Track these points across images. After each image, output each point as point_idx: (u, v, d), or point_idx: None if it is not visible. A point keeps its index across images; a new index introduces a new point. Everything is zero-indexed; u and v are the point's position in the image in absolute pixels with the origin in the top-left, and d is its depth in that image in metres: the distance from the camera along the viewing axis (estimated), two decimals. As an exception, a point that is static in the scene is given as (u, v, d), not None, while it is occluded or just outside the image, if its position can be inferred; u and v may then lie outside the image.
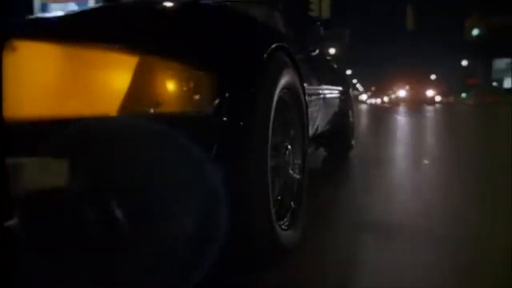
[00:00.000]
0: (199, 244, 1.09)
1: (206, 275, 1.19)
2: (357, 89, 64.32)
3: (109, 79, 0.85)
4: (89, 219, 0.88)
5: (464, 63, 45.00)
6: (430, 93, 29.08)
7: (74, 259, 0.92)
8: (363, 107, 22.89)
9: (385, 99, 42.74)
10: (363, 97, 51.94)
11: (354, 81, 62.62)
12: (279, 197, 1.31)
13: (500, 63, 36.39)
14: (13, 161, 0.78)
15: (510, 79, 33.70)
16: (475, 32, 37.91)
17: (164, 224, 0.98)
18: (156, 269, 1.15)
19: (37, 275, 0.87)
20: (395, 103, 30.02)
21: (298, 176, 1.49)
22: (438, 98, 29.73)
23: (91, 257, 0.95)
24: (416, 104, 22.81)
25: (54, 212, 0.84)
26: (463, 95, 40.75)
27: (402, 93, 30.69)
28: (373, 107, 24.04)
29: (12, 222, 0.79)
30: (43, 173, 0.80)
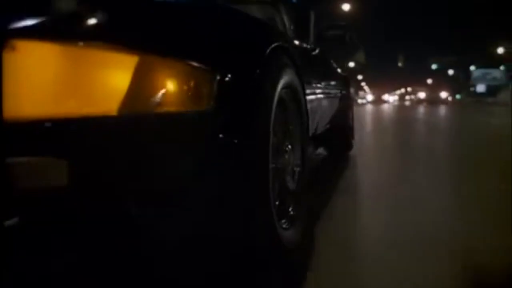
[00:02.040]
0: (200, 243, 1.09)
1: (207, 275, 1.19)
2: (364, 90, 76.66)
3: (109, 79, 0.85)
4: (89, 219, 0.88)
5: (450, 72, 65.60)
6: (443, 94, 34.23)
7: (74, 259, 0.92)
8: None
9: (390, 99, 50.77)
10: (385, 97, 62.14)
11: (363, 83, 78.75)
12: (279, 197, 1.31)
13: (477, 73, 50.06)
14: (13, 161, 0.78)
15: (483, 85, 47.30)
16: (434, 66, 67.41)
17: (164, 224, 0.98)
18: (156, 268, 1.15)
19: (37, 275, 0.87)
20: (416, 102, 35.36)
21: (298, 176, 1.49)
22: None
23: (91, 257, 0.95)
24: (433, 103, 27.15)
25: (54, 212, 0.84)
26: (457, 96, 56.06)
27: (422, 94, 36.07)
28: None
29: (12, 222, 0.79)
30: (43, 173, 0.80)
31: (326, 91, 2.53)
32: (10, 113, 0.77)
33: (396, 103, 46.57)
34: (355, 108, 4.23)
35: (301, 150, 1.52)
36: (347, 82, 3.74)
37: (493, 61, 48.97)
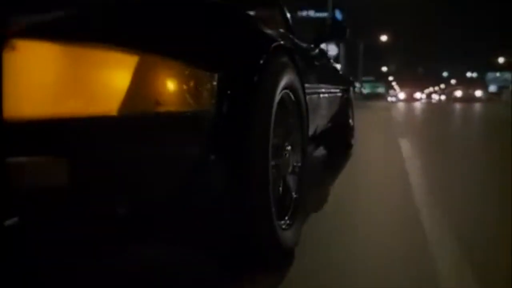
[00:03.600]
0: (199, 243, 1.09)
1: (206, 275, 1.19)
2: (393, 88, 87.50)
3: (109, 79, 0.85)
4: (89, 219, 0.88)
5: (469, 74, 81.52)
6: (478, 93, 37.72)
7: (74, 259, 0.92)
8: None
9: (418, 95, 62.44)
10: (417, 95, 65.64)
11: (394, 83, 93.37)
12: (279, 197, 1.31)
13: (491, 75, 61.98)
14: (13, 161, 0.78)
15: (494, 86, 58.95)
16: (444, 74, 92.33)
17: (164, 223, 0.98)
18: (155, 267, 1.15)
19: (38, 275, 0.87)
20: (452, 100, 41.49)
21: (298, 176, 1.49)
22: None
23: (91, 256, 0.95)
24: (468, 101, 32.19)
25: (54, 212, 0.84)
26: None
27: (458, 93, 39.90)
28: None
29: (12, 222, 0.79)
30: (43, 173, 0.80)
31: (327, 90, 2.53)
32: (10, 113, 0.77)
33: (423, 100, 53.72)
34: (388, 105, 4.99)
35: (301, 150, 1.52)
36: (348, 81, 3.74)
37: (494, 69, 63.80)
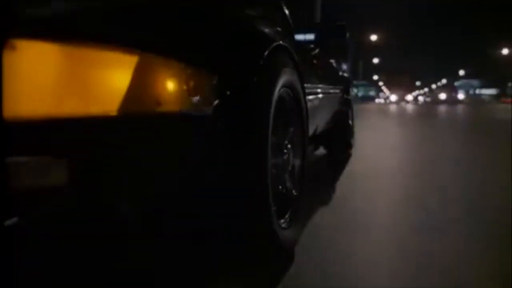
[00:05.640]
0: (198, 243, 1.09)
1: (205, 274, 1.19)
2: (382, 91, 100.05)
3: (109, 79, 0.85)
4: (89, 219, 0.88)
5: (439, 83, 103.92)
6: (461, 96, 42.99)
7: (74, 259, 0.92)
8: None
9: (408, 98, 76.12)
10: (408, 97, 77.68)
11: (383, 87, 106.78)
12: (279, 196, 1.31)
13: (459, 83, 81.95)
14: (13, 161, 0.78)
15: (462, 90, 76.72)
16: (417, 83, 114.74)
17: (164, 223, 0.98)
18: (156, 267, 1.15)
19: (37, 275, 0.87)
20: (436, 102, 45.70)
21: (297, 176, 1.49)
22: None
23: (91, 256, 0.95)
24: (451, 103, 38.48)
25: (54, 212, 0.84)
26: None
27: (442, 95, 45.19)
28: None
29: (12, 222, 0.79)
30: (43, 172, 0.80)
31: (326, 90, 2.53)
32: (10, 113, 0.77)
33: (411, 103, 61.26)
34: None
35: (301, 149, 1.53)
36: (347, 82, 3.74)
37: (456, 79, 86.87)
